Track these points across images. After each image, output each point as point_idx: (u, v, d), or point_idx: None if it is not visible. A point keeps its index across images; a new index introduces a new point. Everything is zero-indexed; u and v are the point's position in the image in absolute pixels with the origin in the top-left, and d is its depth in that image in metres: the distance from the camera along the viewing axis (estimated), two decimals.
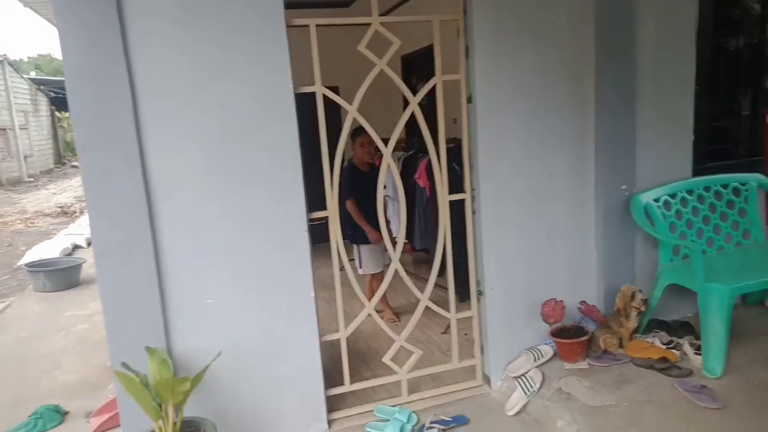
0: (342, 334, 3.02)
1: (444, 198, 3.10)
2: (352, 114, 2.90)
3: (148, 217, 2.43)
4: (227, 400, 2.66)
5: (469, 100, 3.00)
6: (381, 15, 2.89)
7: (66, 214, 11.04)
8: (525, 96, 3.05)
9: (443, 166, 3.12)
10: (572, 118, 3.17)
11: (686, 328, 3.18)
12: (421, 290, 3.14)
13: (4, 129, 18.84)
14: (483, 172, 3.00)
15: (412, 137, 5.06)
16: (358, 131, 4.10)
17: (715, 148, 3.63)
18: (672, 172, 3.40)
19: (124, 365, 2.22)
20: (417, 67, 5.74)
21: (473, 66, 2.93)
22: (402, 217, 3.30)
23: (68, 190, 15.31)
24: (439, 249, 3.22)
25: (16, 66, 21.78)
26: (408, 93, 3.06)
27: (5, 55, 19.83)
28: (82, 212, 10.82)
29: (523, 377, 2.96)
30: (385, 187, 3.11)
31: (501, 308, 3.12)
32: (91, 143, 2.33)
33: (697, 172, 3.47)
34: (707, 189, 3.41)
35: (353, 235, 4.08)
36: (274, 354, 2.74)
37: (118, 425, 2.56)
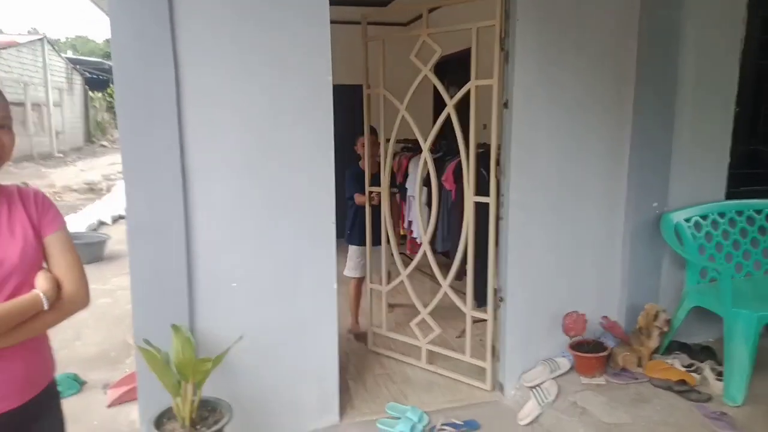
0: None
1: (469, 199, 3.12)
2: (401, 113, 2.94)
3: (182, 196, 2.47)
4: (244, 383, 2.69)
5: (506, 105, 2.99)
6: (415, 19, 2.92)
7: (93, 191, 11.25)
8: (561, 107, 3.03)
9: (472, 169, 3.13)
10: (607, 132, 3.14)
11: (708, 353, 3.13)
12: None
13: (39, 105, 19.30)
14: (514, 178, 2.99)
15: (440, 139, 5.05)
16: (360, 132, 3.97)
17: (752, 171, 3.56)
18: (705, 193, 3.35)
19: (146, 342, 2.26)
20: (447, 71, 5.73)
21: (512, 72, 2.92)
22: (432, 216, 3.34)
23: (96, 168, 15.58)
24: (461, 251, 3.23)
25: (54, 45, 22.28)
26: (446, 96, 3.09)
27: (44, 34, 20.32)
28: (108, 190, 11.02)
29: (538, 388, 2.94)
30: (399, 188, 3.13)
31: (521, 316, 3.10)
32: (132, 117, 2.37)
33: (730, 195, 3.41)
34: (740, 213, 3.36)
35: (350, 236, 4.01)
36: (293, 343, 2.76)
37: (135, 398, 2.61)
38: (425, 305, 3.47)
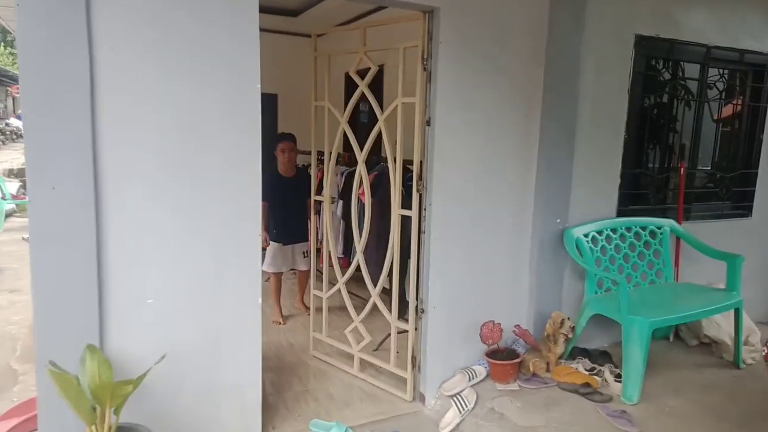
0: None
1: (396, 212, 3.20)
2: (342, 126, 2.98)
3: (94, 200, 2.27)
4: (162, 405, 2.50)
5: (428, 123, 3.09)
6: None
7: None
8: (477, 127, 3.20)
9: (398, 183, 3.20)
10: (517, 152, 3.36)
11: (605, 357, 3.42)
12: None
13: None
14: (435, 193, 3.09)
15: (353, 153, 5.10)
16: (279, 137, 4.26)
17: (637, 192, 3.98)
18: (600, 210, 3.69)
19: (53, 364, 2.04)
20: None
21: (435, 90, 3.04)
22: (363, 232, 3.36)
23: None
24: (387, 263, 3.30)
25: None
26: (378, 111, 3.22)
27: None
28: None
29: (457, 396, 3.03)
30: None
31: (440, 327, 3.20)
32: (38, 108, 2.13)
33: (620, 213, 3.78)
34: (629, 229, 3.73)
35: (272, 234, 4.34)
36: (213, 361, 2.62)
37: (33, 430, 2.33)
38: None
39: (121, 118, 2.31)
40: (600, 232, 3.59)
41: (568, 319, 3.25)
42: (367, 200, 3.49)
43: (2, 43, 32.86)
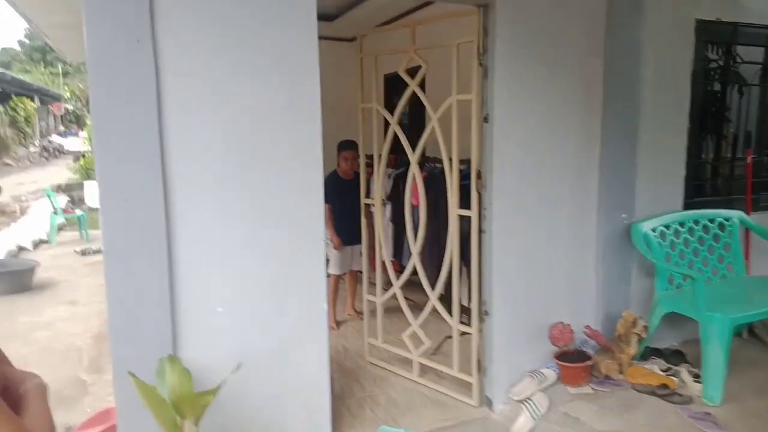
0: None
1: (454, 213, 3.13)
2: (393, 127, 2.94)
3: (164, 212, 2.27)
4: (230, 413, 2.48)
5: (486, 119, 3.02)
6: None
7: (4, 213, 10.28)
8: (536, 122, 3.11)
9: (455, 183, 3.13)
10: (578, 146, 3.25)
11: (679, 356, 3.28)
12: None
13: None
14: (496, 191, 3.01)
15: (399, 154, 5.06)
16: (343, 145, 4.26)
17: (703, 183, 3.81)
18: (666, 204, 3.54)
19: (132, 375, 2.03)
20: (400, 86, 5.79)
21: (492, 86, 2.96)
22: (419, 234, 3.30)
23: (4, 188, 14.30)
24: (445, 265, 3.23)
25: None
26: (431, 110, 3.16)
27: None
28: (23, 212, 10.11)
29: (528, 401, 2.94)
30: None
31: (505, 329, 3.11)
32: (108, 125, 2.15)
33: (686, 206, 3.63)
34: (696, 222, 3.57)
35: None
36: (281, 368, 2.60)
37: None
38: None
39: (187, 126, 2.30)
40: (667, 227, 3.45)
41: (641, 318, 3.12)
42: (422, 202, 3.43)
43: (42, 63, 34.04)
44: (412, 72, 3.29)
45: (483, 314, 3.11)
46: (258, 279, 2.52)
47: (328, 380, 2.71)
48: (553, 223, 3.22)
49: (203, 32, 2.29)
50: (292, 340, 2.60)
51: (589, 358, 3.07)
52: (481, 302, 3.12)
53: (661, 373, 3.05)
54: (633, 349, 3.09)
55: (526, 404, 2.91)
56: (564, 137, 3.20)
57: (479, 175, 3.06)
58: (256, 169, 2.46)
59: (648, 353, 3.28)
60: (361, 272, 4.53)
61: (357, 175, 4.45)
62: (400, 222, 4.67)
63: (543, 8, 3.04)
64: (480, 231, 3.09)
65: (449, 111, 3.13)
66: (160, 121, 2.24)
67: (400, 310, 4.05)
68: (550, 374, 3.09)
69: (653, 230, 3.37)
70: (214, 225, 2.40)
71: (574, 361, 3.06)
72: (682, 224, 3.51)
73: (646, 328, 3.11)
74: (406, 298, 3.69)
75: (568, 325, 3.05)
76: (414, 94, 3.32)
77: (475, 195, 3.07)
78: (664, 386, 2.93)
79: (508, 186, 3.04)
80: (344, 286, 4.59)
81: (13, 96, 24.38)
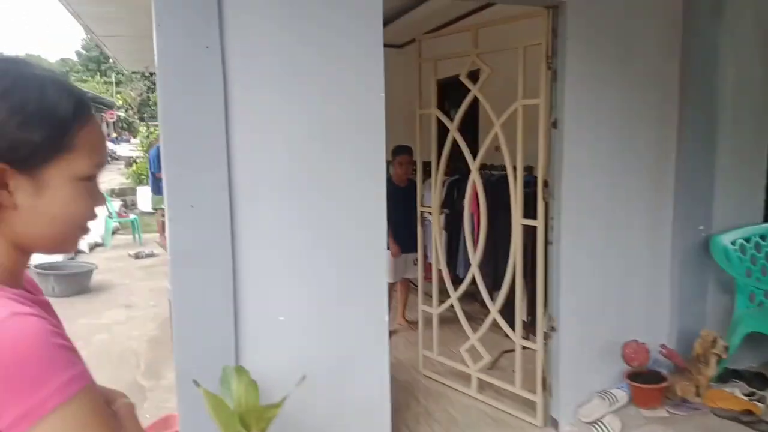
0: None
1: (517, 223, 3.00)
2: (452, 133, 2.85)
3: (229, 219, 2.24)
4: (290, 426, 2.42)
5: (554, 125, 2.88)
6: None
7: None
8: (607, 127, 2.96)
9: (519, 191, 3.01)
10: (652, 153, 3.08)
11: (761, 379, 3.05)
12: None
13: None
14: (565, 200, 2.87)
15: (454, 162, 4.95)
16: (397, 150, 4.23)
17: None
18: (744, 215, 3.32)
19: (197, 383, 1.99)
20: (451, 92, 5.69)
21: (562, 90, 2.83)
22: (479, 244, 3.19)
23: None
24: (508, 278, 3.10)
25: None
26: (493, 116, 3.04)
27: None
28: None
29: (598, 423, 2.77)
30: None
31: (573, 346, 2.95)
32: (177, 134, 2.14)
33: (766, 218, 3.39)
34: None
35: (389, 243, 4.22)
36: (341, 380, 2.52)
37: None
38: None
39: (253, 133, 2.27)
40: (747, 240, 3.22)
41: (720, 337, 2.91)
42: (483, 211, 3.31)
43: (98, 73, 35.48)
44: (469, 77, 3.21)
45: (549, 330, 2.96)
46: (320, 288, 2.45)
47: (389, 394, 2.62)
48: (625, 235, 3.05)
49: (270, 39, 2.26)
50: (353, 352, 2.53)
51: (664, 379, 2.88)
52: (547, 317, 2.97)
53: (744, 397, 2.83)
54: (712, 370, 2.88)
55: (597, 427, 2.75)
56: (637, 144, 3.03)
57: (545, 184, 2.93)
58: (320, 177, 2.40)
59: (726, 375, 3.06)
60: (412, 282, 4.46)
61: (410, 181, 4.39)
62: (453, 231, 4.58)
63: (616, 9, 2.90)
64: (546, 242, 2.95)
65: (510, 117, 3.02)
66: (227, 128, 2.22)
67: (452, 321, 3.96)
68: (621, 395, 2.91)
69: (732, 243, 3.15)
70: (277, 233, 2.36)
71: (648, 381, 2.88)
72: (763, 237, 3.28)
73: (726, 348, 2.90)
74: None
75: (643, 344, 2.87)
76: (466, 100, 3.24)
77: (541, 204, 2.93)
78: (749, 412, 2.72)
79: (577, 195, 2.89)
80: (395, 295, 4.51)
81: None
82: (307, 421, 2.46)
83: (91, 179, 0.77)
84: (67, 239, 0.77)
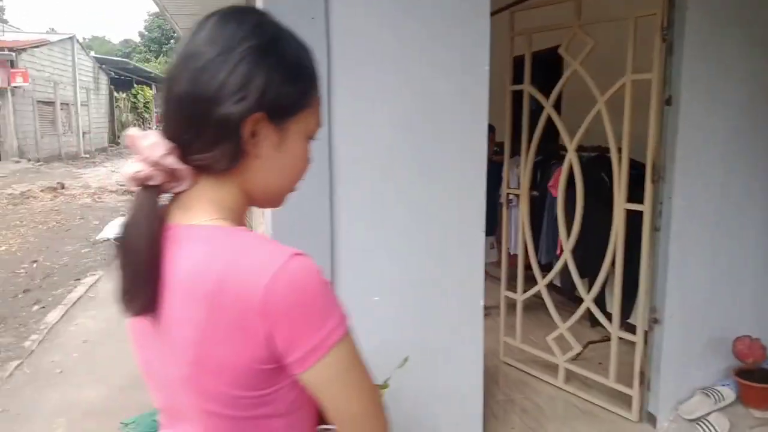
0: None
1: (620, 207, 2.82)
2: (547, 110, 2.68)
3: (329, 195, 2.17)
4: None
5: (668, 102, 2.67)
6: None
7: (131, 192, 11.02)
8: (727, 107, 2.72)
9: (624, 173, 2.81)
10: None
11: None
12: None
13: (67, 104, 19.26)
14: (677, 184, 2.66)
15: (543, 142, 4.73)
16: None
17: None
18: None
19: None
20: (538, 66, 5.42)
21: (679, 64, 2.60)
22: (573, 230, 3.04)
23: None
24: (605, 266, 2.93)
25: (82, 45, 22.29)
26: (597, 92, 2.82)
27: (73, 34, 20.34)
28: None
29: (703, 421, 2.60)
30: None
31: (677, 340, 2.76)
32: None
33: None
34: None
35: None
36: (434, 365, 2.44)
37: None
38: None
39: (355, 110, 2.18)
40: None
41: None
42: (579, 194, 3.13)
43: (160, 54, 36.46)
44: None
45: (652, 322, 2.78)
46: (416, 269, 2.36)
47: (482, 383, 2.52)
48: (738, 223, 2.82)
49: (374, 11, 2.16)
50: (447, 336, 2.44)
51: None
52: (650, 308, 2.79)
53: None
54: None
55: (702, 425, 2.57)
56: (760, 127, 2.78)
57: (654, 165, 2.73)
58: (421, 155, 2.30)
59: None
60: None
61: (491, 162, 4.20)
62: (537, 215, 4.39)
63: None
64: (652, 228, 2.76)
65: (613, 94, 2.81)
66: (329, 102, 2.14)
67: (534, 308, 3.81)
68: (728, 393, 2.72)
69: None
70: (376, 211, 2.28)
71: (758, 380, 2.67)
72: None
73: None
74: (539, 298, 3.42)
75: (758, 339, 2.66)
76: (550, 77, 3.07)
77: (649, 187, 2.73)
78: None
79: (691, 179, 2.68)
80: None
81: (135, 84, 26.21)
82: (397, 408, 2.39)
83: (313, 139, 0.77)
84: (284, 194, 0.79)
